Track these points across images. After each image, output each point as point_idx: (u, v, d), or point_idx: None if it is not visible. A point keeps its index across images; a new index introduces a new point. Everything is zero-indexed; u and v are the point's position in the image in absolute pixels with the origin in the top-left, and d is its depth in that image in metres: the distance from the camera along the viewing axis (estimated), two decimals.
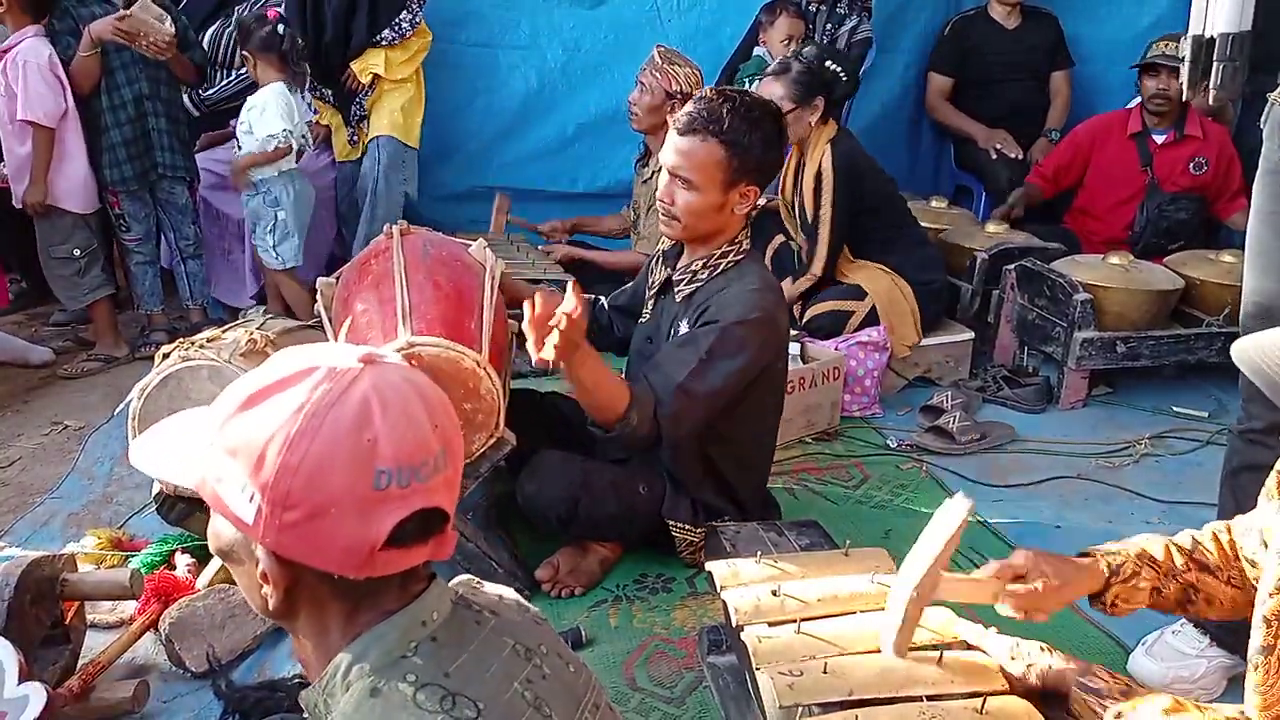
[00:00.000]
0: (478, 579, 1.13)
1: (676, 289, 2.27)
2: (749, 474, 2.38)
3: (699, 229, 2.18)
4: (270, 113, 3.58)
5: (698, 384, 2.08)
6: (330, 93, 3.92)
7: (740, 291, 2.14)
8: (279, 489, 0.86)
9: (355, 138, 3.92)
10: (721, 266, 2.20)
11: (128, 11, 3.41)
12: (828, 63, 3.31)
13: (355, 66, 3.76)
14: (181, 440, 0.98)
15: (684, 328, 2.21)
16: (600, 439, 2.16)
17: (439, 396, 0.96)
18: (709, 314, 2.13)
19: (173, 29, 3.49)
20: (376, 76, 3.78)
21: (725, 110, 2.08)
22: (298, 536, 0.88)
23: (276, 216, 3.68)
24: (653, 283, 2.41)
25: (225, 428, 0.90)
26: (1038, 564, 1.44)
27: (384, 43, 3.74)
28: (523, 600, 1.12)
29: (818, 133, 3.29)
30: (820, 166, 3.26)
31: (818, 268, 3.34)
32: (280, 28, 3.59)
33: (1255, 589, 1.35)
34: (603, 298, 2.68)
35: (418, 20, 3.76)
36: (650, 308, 2.41)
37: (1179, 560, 1.42)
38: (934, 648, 1.45)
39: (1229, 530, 1.44)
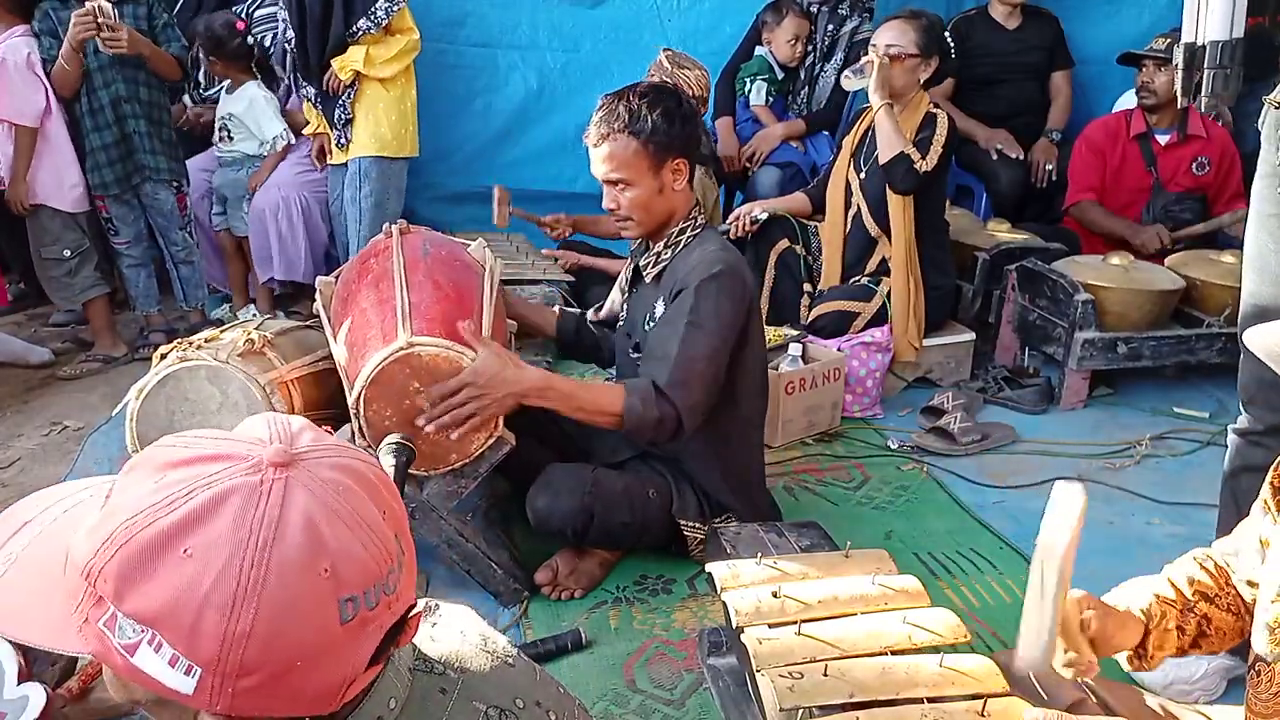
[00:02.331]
0: (435, 602, 1.00)
1: (646, 274, 2.35)
2: (751, 452, 2.41)
3: (652, 218, 2.27)
4: (268, 115, 4.01)
5: (696, 346, 2.12)
6: (314, 93, 3.77)
7: (702, 254, 2.22)
8: (228, 662, 0.71)
9: (343, 140, 3.76)
10: (683, 242, 2.29)
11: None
12: (946, 33, 3.30)
13: (335, 64, 3.62)
14: (46, 592, 0.77)
15: (660, 308, 2.26)
16: (621, 442, 2.23)
17: (372, 470, 0.80)
18: (679, 282, 2.20)
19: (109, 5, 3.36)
20: (359, 75, 3.64)
21: (620, 107, 2.18)
22: (259, 697, 0.73)
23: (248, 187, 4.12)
24: (624, 282, 2.50)
25: (129, 590, 0.71)
26: (1098, 608, 1.33)
27: (361, 33, 3.59)
28: (486, 633, 0.99)
29: (919, 96, 3.30)
30: (929, 119, 3.22)
31: (931, 161, 3.21)
32: (249, 38, 3.93)
33: (1253, 614, 1.34)
34: (587, 313, 2.68)
35: (396, 6, 3.59)
36: (625, 307, 2.47)
37: (1189, 592, 1.38)
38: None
39: (1210, 558, 1.43)
